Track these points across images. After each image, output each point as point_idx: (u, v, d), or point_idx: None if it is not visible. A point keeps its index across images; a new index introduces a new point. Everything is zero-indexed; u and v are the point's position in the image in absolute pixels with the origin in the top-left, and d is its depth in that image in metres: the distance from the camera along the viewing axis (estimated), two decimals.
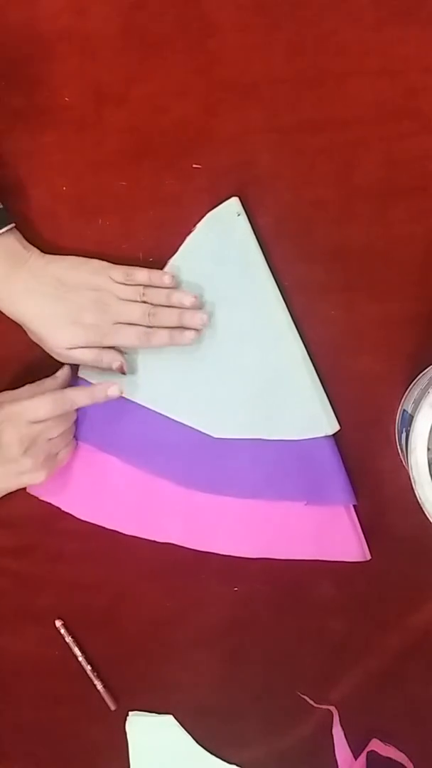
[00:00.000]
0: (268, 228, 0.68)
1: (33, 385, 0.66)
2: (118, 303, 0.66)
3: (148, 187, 0.69)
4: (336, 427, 0.68)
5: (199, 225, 0.68)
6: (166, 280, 0.67)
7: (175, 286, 0.67)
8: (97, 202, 0.69)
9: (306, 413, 0.67)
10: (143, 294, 0.66)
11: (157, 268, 0.68)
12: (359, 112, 0.67)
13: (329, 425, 0.67)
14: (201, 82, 0.68)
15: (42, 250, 0.68)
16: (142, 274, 0.67)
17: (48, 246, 0.69)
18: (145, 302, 0.66)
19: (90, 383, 0.69)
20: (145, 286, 0.66)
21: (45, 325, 0.65)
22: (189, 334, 0.67)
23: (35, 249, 0.67)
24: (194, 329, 0.67)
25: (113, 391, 0.66)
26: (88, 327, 0.64)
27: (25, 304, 0.65)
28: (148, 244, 0.69)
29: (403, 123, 0.67)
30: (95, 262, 0.67)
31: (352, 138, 0.67)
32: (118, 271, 0.67)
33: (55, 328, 0.65)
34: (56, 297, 0.64)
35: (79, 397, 0.65)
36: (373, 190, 0.68)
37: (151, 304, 0.66)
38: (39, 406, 0.63)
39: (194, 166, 0.68)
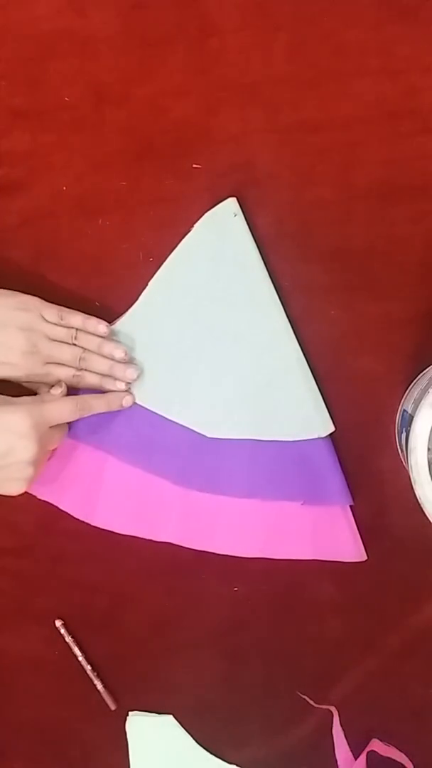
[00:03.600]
0: (268, 228, 0.68)
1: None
2: (49, 344, 0.65)
3: (148, 187, 0.69)
4: (330, 429, 0.67)
5: (196, 225, 0.68)
6: (101, 329, 0.67)
7: (108, 336, 0.67)
8: (97, 202, 0.69)
9: (299, 415, 0.67)
10: (75, 337, 0.66)
11: (157, 268, 0.68)
12: (359, 112, 0.67)
13: (323, 427, 0.67)
14: (201, 82, 0.68)
15: (42, 250, 0.68)
16: (75, 319, 0.66)
17: (48, 246, 0.69)
18: (75, 345, 0.66)
19: None
20: (78, 329, 0.66)
21: None
22: (119, 385, 0.67)
23: None
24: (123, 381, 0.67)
25: (127, 401, 0.68)
26: (16, 367, 0.64)
27: None
28: (148, 244, 0.69)
29: (403, 123, 0.67)
30: (26, 297, 0.65)
31: (352, 138, 0.67)
32: (51, 311, 0.65)
33: None
34: None
35: (97, 403, 0.66)
36: (373, 190, 0.68)
37: (82, 348, 0.66)
38: (62, 408, 0.64)
39: (194, 166, 0.68)
